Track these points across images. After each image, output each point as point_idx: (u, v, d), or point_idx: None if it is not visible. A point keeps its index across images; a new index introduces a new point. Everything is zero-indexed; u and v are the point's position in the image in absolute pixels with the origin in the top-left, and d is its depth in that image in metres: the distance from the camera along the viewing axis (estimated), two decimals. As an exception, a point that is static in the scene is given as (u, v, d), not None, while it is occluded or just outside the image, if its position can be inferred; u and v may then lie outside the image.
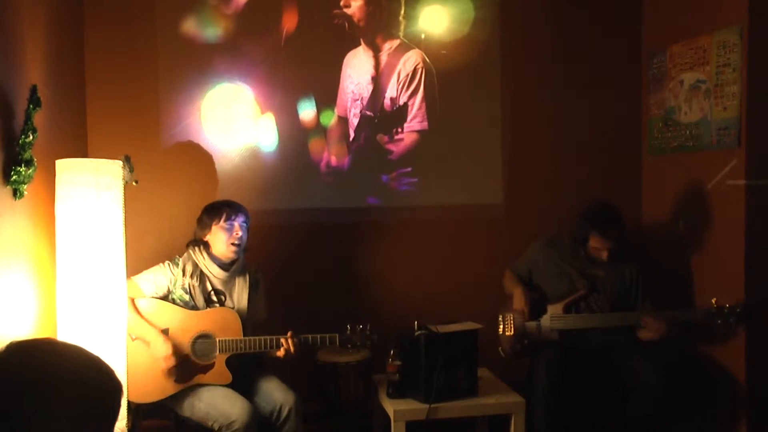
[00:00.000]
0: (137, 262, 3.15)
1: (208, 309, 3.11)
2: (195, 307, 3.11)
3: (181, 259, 3.17)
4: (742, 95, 3.30)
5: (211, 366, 3.05)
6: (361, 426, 3.60)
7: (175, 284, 3.12)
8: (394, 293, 3.92)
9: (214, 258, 3.16)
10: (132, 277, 3.08)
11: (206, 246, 3.16)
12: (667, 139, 3.88)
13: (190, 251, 3.18)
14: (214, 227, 3.13)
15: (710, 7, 3.54)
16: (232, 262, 3.18)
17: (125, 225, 2.74)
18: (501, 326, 3.54)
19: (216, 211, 3.15)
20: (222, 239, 3.12)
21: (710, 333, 3.46)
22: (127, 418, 2.80)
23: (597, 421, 3.54)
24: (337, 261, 3.93)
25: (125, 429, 2.74)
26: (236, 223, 3.13)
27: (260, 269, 3.35)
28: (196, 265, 3.15)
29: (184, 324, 3.06)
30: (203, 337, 3.06)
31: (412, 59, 3.95)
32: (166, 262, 3.16)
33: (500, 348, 3.55)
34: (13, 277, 2.49)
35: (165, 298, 3.12)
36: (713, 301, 3.27)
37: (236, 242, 3.12)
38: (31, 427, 1.23)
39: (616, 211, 3.43)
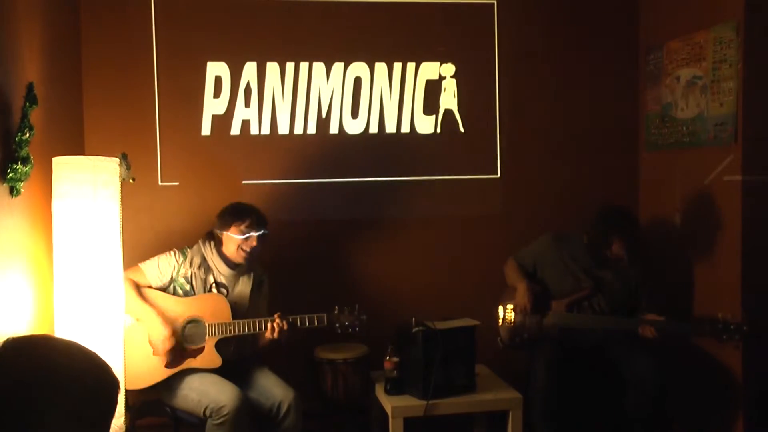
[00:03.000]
0: (134, 259, 3.16)
1: (198, 296, 3.13)
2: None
3: (190, 250, 3.19)
4: (739, 91, 3.30)
5: (201, 350, 3.07)
6: (358, 422, 3.60)
7: (177, 272, 3.14)
8: (391, 290, 3.92)
9: (222, 256, 3.17)
10: (139, 264, 3.13)
11: (218, 243, 3.18)
12: (663, 135, 3.88)
13: (200, 244, 3.20)
14: (233, 227, 3.13)
15: (706, 3, 3.54)
16: (239, 264, 3.20)
17: (122, 222, 2.74)
18: (501, 317, 3.53)
19: (241, 214, 3.15)
20: (235, 242, 3.13)
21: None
22: (124, 415, 2.80)
23: (595, 417, 3.54)
24: (334, 258, 3.94)
25: (123, 426, 2.74)
26: (254, 234, 3.13)
27: (267, 272, 3.36)
28: (203, 258, 3.17)
29: (174, 310, 3.08)
30: (193, 322, 3.08)
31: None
32: (174, 250, 3.18)
33: (499, 338, 3.55)
34: (10, 274, 2.49)
35: (168, 285, 3.14)
36: (719, 315, 3.18)
37: (247, 250, 3.13)
38: (29, 424, 1.23)
39: (633, 214, 3.51)
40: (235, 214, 3.16)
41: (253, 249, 3.14)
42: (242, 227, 3.12)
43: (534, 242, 3.63)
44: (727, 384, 3.41)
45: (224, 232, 3.16)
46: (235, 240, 3.12)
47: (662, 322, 3.26)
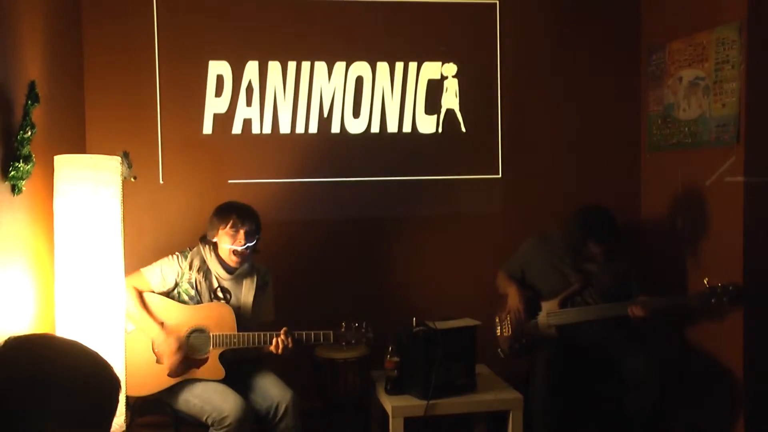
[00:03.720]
0: (135, 258, 3.16)
1: (203, 304, 3.11)
2: (200, 302, 3.11)
3: (190, 252, 3.17)
4: (741, 92, 3.30)
5: (205, 361, 3.05)
6: (359, 422, 3.60)
7: (182, 277, 3.12)
8: (392, 290, 3.92)
9: (220, 260, 3.15)
10: (141, 269, 3.10)
11: (215, 246, 3.15)
12: (665, 135, 3.88)
13: (200, 246, 3.18)
14: (220, 231, 3.10)
15: (709, 4, 3.54)
16: (237, 267, 3.18)
17: (123, 221, 2.74)
18: (498, 328, 3.55)
19: (224, 215, 3.11)
20: (226, 245, 3.10)
21: (705, 315, 3.47)
22: (125, 413, 2.80)
23: (595, 418, 3.54)
24: (335, 257, 3.93)
25: (123, 425, 2.74)
26: (241, 231, 3.07)
27: (270, 271, 3.34)
28: (203, 261, 3.15)
29: (179, 318, 3.06)
30: (197, 332, 3.06)
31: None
32: (176, 254, 3.16)
33: (499, 349, 3.56)
34: (11, 272, 2.49)
35: (171, 290, 3.12)
36: (705, 281, 3.25)
37: (238, 250, 3.08)
38: (30, 423, 1.23)
39: (608, 213, 3.43)
40: (218, 216, 3.12)
41: (244, 248, 3.08)
42: (227, 229, 3.08)
43: (518, 249, 3.65)
44: (727, 384, 3.41)
45: (215, 236, 3.13)
46: (226, 240, 3.09)
47: (649, 300, 3.28)
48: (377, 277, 3.95)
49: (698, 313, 3.51)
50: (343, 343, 3.19)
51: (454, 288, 3.96)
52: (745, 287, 3.25)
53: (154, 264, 3.14)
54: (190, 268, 3.12)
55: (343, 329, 3.18)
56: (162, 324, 3.03)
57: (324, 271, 3.90)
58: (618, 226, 3.44)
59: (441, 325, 3.23)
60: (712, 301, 3.23)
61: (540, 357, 3.30)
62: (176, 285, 3.12)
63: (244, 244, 3.08)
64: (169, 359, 2.97)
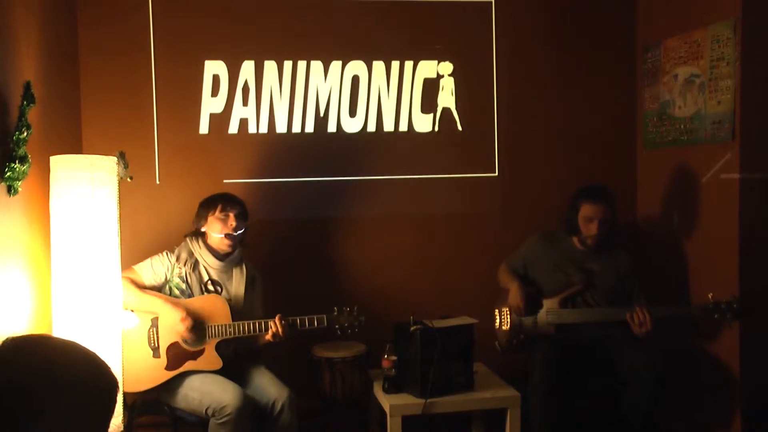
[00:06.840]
0: (132, 258, 3.16)
1: (196, 297, 3.14)
2: (191, 296, 3.14)
3: (177, 248, 3.21)
4: (736, 89, 3.31)
5: (201, 352, 3.07)
6: (357, 421, 3.61)
7: (171, 272, 3.15)
8: (389, 288, 3.92)
9: (209, 248, 3.19)
10: (133, 266, 3.15)
11: (203, 237, 3.20)
12: (661, 133, 3.89)
13: (187, 240, 3.22)
14: (209, 218, 3.17)
15: (704, 1, 3.55)
16: (228, 253, 3.20)
17: (120, 221, 2.74)
18: (497, 321, 3.55)
19: (211, 203, 3.20)
20: (217, 230, 3.15)
21: (705, 327, 3.47)
22: (123, 414, 2.80)
23: (593, 415, 3.55)
24: (332, 256, 3.93)
25: (121, 425, 2.74)
26: (231, 214, 3.16)
27: (258, 268, 3.36)
28: (191, 254, 3.19)
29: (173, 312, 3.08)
30: (193, 324, 3.07)
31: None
32: (165, 251, 3.21)
33: (496, 342, 3.56)
34: (8, 273, 2.49)
35: (162, 285, 3.15)
36: (710, 296, 3.24)
37: (231, 233, 3.14)
38: (28, 424, 1.23)
39: (604, 186, 3.50)
40: (207, 205, 3.21)
41: (235, 229, 3.15)
42: (217, 213, 3.16)
43: (523, 244, 3.65)
44: (725, 381, 3.42)
45: (204, 226, 3.19)
46: (217, 227, 3.15)
47: (652, 310, 3.26)
48: (374, 276, 3.95)
49: (698, 324, 3.52)
50: (336, 327, 3.22)
51: (451, 286, 3.96)
52: (743, 299, 3.25)
53: (145, 261, 3.18)
54: (178, 261, 3.16)
55: (335, 313, 3.22)
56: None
57: (320, 271, 3.90)
58: (613, 198, 3.44)
59: (438, 323, 3.23)
60: (716, 316, 3.22)
61: (538, 355, 3.31)
62: (167, 280, 3.15)
63: (236, 226, 3.14)
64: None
